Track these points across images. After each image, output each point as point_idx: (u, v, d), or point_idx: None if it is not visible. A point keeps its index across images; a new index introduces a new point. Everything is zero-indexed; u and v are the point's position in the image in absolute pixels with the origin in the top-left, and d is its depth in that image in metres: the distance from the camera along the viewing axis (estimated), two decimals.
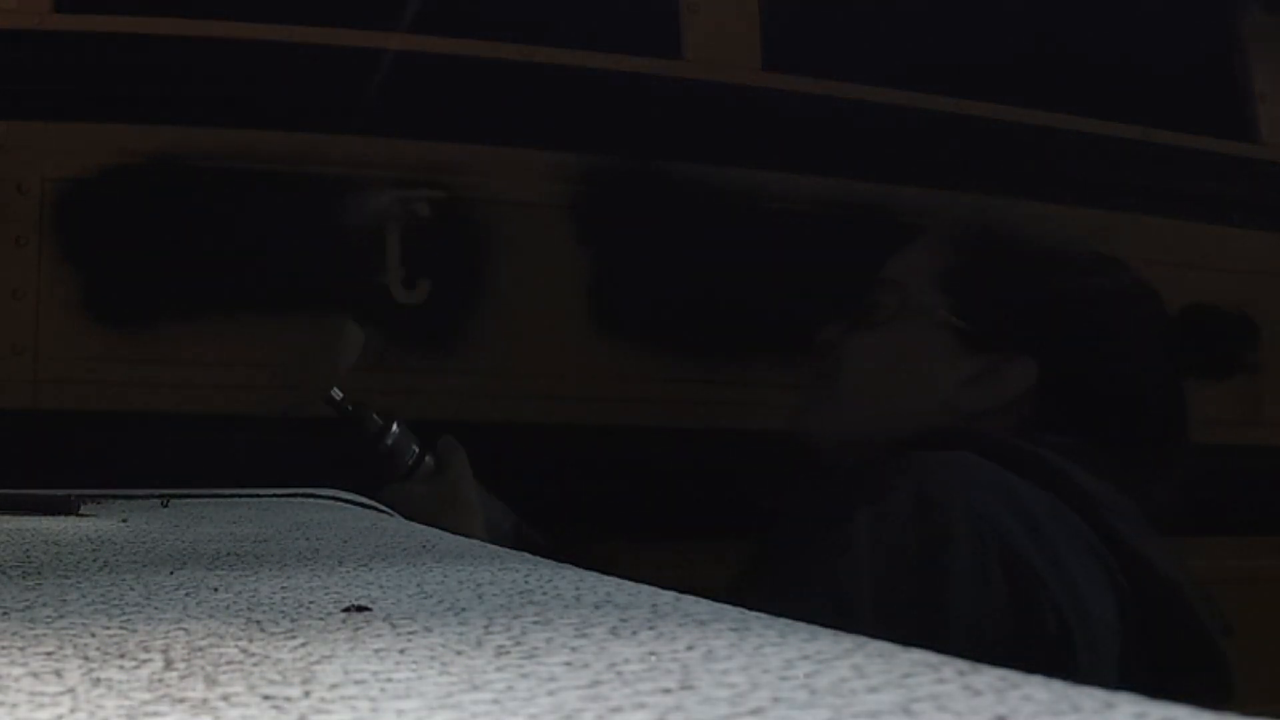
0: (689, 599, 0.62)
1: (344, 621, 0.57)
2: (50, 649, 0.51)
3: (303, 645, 0.52)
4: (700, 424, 1.71)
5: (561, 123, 1.71)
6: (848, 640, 0.51)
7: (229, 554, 0.83)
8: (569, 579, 0.69)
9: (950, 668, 0.44)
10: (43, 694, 0.44)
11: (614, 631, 0.54)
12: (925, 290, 1.48)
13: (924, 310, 1.47)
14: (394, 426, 1.47)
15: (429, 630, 0.55)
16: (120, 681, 0.46)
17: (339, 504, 1.26)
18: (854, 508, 1.23)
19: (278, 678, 0.46)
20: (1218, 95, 2.13)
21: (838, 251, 1.73)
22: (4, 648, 0.51)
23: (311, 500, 1.26)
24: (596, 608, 0.60)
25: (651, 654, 0.49)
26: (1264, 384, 1.94)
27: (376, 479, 1.45)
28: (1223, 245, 2.00)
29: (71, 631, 0.55)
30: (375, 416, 1.48)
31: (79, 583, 0.70)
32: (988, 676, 0.43)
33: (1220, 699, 1.24)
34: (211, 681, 0.46)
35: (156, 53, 1.58)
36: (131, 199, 1.55)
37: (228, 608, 0.61)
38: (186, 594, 0.66)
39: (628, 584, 0.67)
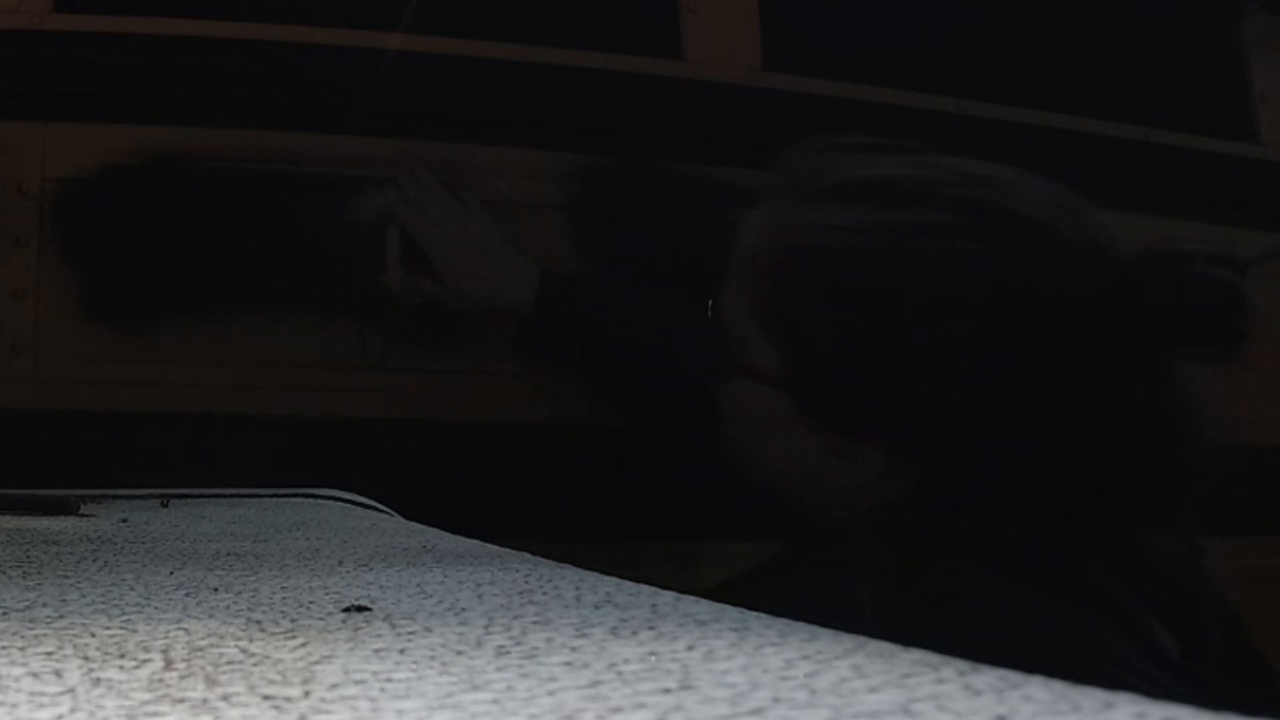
0: (689, 599, 0.62)
1: (344, 621, 0.57)
2: (50, 649, 0.51)
3: (303, 645, 0.52)
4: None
5: (561, 123, 1.71)
6: (848, 640, 0.50)
7: (229, 554, 0.83)
8: (569, 579, 0.69)
9: (950, 668, 0.44)
10: (43, 694, 0.44)
11: (614, 631, 0.54)
12: (751, 336, 1.17)
13: (754, 368, 1.16)
14: None
15: (429, 630, 0.55)
16: (120, 681, 0.46)
17: (339, 504, 1.26)
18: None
19: (278, 678, 0.46)
20: (1218, 95, 2.13)
21: None
22: (4, 648, 0.51)
23: (311, 500, 1.27)
24: (596, 608, 0.60)
25: (651, 654, 0.49)
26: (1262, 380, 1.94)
27: None
28: (1222, 245, 2.00)
29: (71, 631, 0.55)
30: None
31: (79, 583, 0.70)
32: (988, 676, 0.43)
33: None
34: (211, 681, 0.46)
35: (156, 53, 1.57)
36: (131, 199, 1.54)
37: (228, 608, 0.61)
38: (186, 594, 0.66)
39: (628, 584, 0.67)
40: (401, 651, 0.50)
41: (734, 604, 0.59)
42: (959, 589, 1.04)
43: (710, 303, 1.23)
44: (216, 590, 0.67)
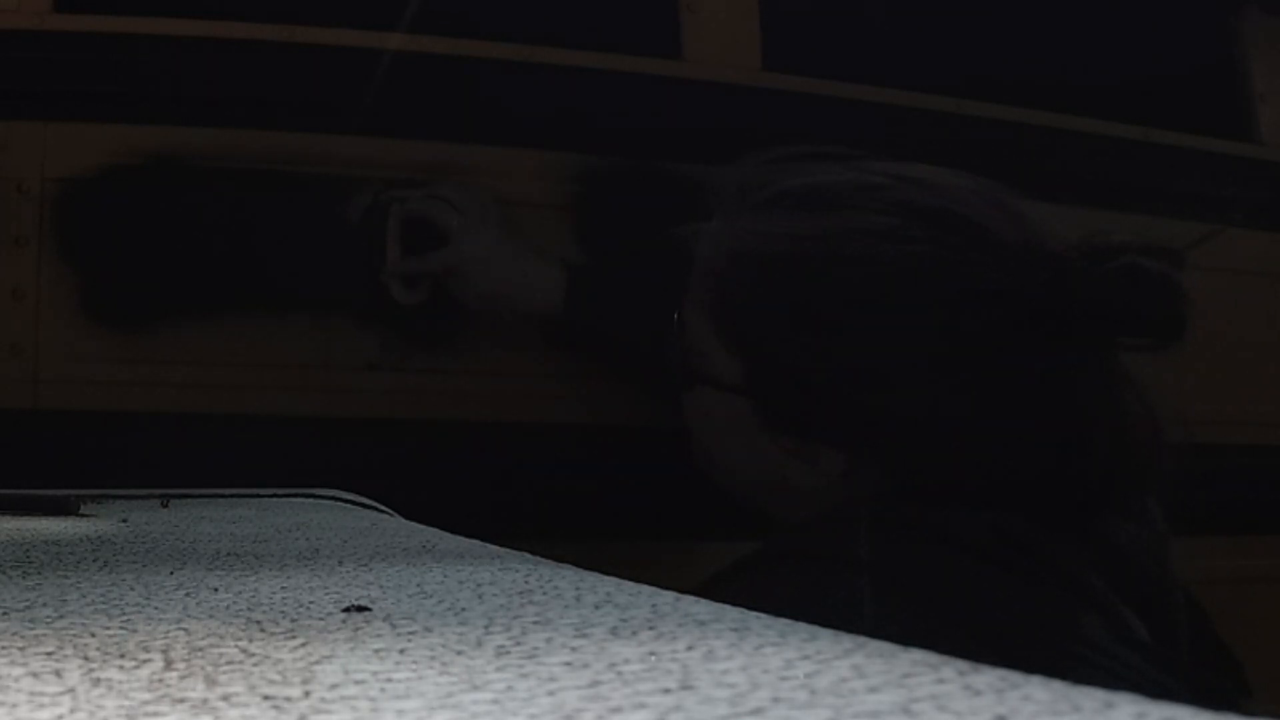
0: (689, 599, 0.62)
1: (344, 621, 0.57)
2: (50, 649, 0.51)
3: (303, 645, 0.52)
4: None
5: (561, 123, 1.71)
6: (848, 640, 0.50)
7: (229, 554, 0.83)
8: (569, 579, 0.69)
9: (950, 668, 0.44)
10: (43, 694, 0.44)
11: (614, 631, 0.54)
12: (710, 346, 1.21)
13: (715, 377, 1.20)
14: None
15: (429, 630, 0.55)
16: (120, 681, 0.46)
17: (339, 504, 1.26)
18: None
19: (278, 678, 0.46)
20: (1218, 95, 2.13)
21: None
22: (4, 648, 0.51)
23: (311, 500, 1.27)
24: (596, 608, 0.60)
25: (651, 654, 0.49)
26: (1259, 380, 1.95)
27: None
28: (1222, 245, 2.00)
29: (71, 631, 0.55)
30: None
31: (79, 583, 0.70)
32: (988, 676, 0.43)
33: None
34: (211, 681, 0.46)
35: (156, 53, 1.57)
36: (131, 199, 1.54)
37: (228, 608, 0.61)
38: (186, 594, 0.66)
39: (628, 584, 0.67)
40: (401, 651, 0.50)
41: (715, 598, 0.60)
42: (937, 577, 1.06)
43: (675, 315, 1.24)
44: (216, 590, 0.67)
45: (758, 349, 1.17)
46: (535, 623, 0.56)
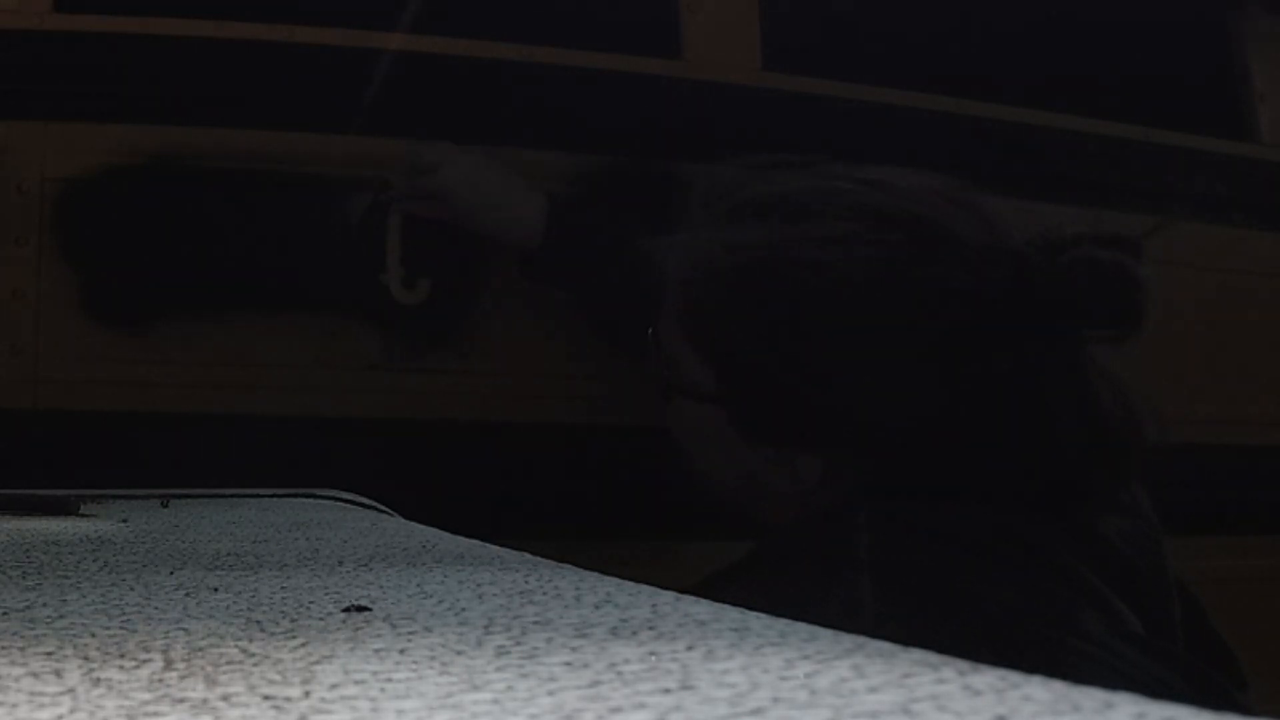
0: (689, 599, 0.62)
1: (344, 621, 0.57)
2: (50, 649, 0.51)
3: (303, 645, 0.52)
4: None
5: (561, 123, 1.71)
6: (848, 640, 0.50)
7: (229, 554, 0.83)
8: (569, 579, 0.69)
9: (950, 668, 0.44)
10: (43, 694, 0.44)
11: (614, 631, 0.54)
12: (685, 358, 1.22)
13: (692, 388, 1.21)
14: None
15: (429, 630, 0.55)
16: (120, 681, 0.46)
17: (339, 504, 1.26)
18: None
19: (278, 678, 0.46)
20: (1218, 95, 2.13)
21: None
22: (4, 648, 0.51)
23: (311, 500, 1.27)
24: (596, 608, 0.60)
25: (651, 654, 0.49)
26: (1255, 382, 1.95)
27: None
28: (1223, 245, 2.00)
29: (71, 632, 0.55)
30: None
31: (79, 583, 0.70)
32: (988, 676, 0.43)
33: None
34: (211, 681, 0.46)
35: (156, 53, 1.57)
36: (131, 199, 1.54)
37: (228, 608, 0.61)
38: (186, 594, 0.66)
39: (628, 584, 0.67)
40: (401, 651, 0.50)
41: (714, 598, 0.60)
42: (932, 573, 1.07)
43: (649, 329, 1.25)
44: (216, 590, 0.67)
45: (729, 360, 1.19)
46: (535, 623, 0.56)
